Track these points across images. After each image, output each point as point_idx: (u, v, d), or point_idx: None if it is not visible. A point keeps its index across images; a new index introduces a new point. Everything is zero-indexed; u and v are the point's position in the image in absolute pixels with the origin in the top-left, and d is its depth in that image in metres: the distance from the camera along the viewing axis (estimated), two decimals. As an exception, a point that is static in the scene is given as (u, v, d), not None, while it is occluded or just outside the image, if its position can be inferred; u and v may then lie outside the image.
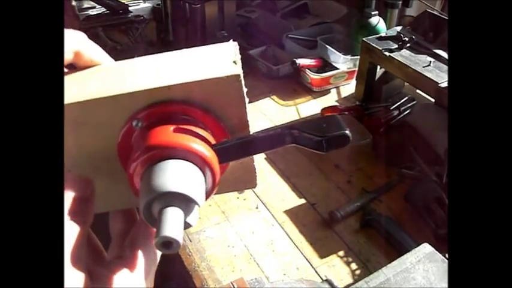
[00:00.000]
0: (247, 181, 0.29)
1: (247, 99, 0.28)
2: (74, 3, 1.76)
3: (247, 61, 1.45)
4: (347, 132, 0.26)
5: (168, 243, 0.22)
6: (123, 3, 1.76)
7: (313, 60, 1.34)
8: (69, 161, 0.28)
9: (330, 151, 0.27)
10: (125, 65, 0.30)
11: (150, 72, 0.27)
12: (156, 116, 0.26)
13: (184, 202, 0.23)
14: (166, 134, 0.25)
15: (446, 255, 0.69)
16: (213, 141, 0.26)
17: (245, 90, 0.27)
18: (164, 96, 0.26)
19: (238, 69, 0.25)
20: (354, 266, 0.83)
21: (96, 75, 0.29)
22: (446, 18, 1.14)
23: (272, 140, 0.26)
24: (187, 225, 0.24)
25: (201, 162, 0.24)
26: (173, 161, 0.24)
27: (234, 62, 0.26)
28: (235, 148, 0.26)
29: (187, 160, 0.24)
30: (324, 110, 1.22)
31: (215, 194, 0.27)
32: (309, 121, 0.27)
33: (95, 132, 0.28)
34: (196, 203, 0.23)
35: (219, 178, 0.26)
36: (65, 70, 0.30)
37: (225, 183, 0.28)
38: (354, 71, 1.32)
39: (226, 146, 0.25)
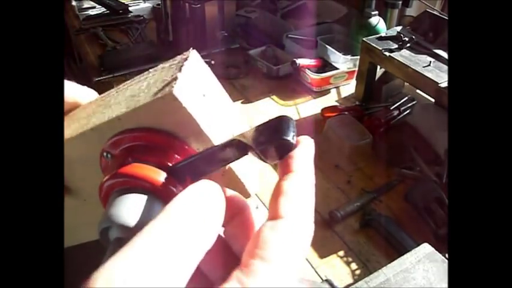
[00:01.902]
0: (240, 192, 0.28)
1: (215, 112, 0.27)
2: (74, 3, 1.76)
3: (247, 61, 1.45)
4: (287, 138, 0.23)
5: None
6: (123, 3, 1.76)
7: (313, 60, 1.34)
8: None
9: (273, 161, 0.24)
10: (98, 101, 0.31)
11: (114, 105, 0.28)
12: (118, 147, 0.27)
13: (128, 231, 0.23)
14: (121, 165, 0.25)
15: (446, 255, 0.69)
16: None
17: (198, 105, 0.25)
18: (120, 126, 0.26)
19: (174, 89, 0.23)
20: (354, 266, 0.83)
21: (77, 114, 0.31)
22: (446, 18, 1.14)
23: (218, 155, 0.25)
24: None
25: (152, 188, 0.24)
26: (124, 191, 0.24)
27: (175, 79, 0.24)
28: (189, 167, 0.25)
29: (138, 187, 0.24)
30: (324, 110, 1.22)
31: None
32: (258, 128, 0.25)
33: (85, 167, 0.29)
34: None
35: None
36: None
37: None
38: (354, 71, 1.32)
39: (178, 167, 0.25)
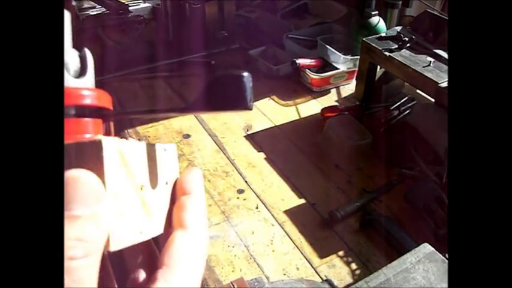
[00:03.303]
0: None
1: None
2: (74, 3, 1.76)
3: (247, 61, 1.45)
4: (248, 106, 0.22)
5: None
6: (123, 3, 1.76)
7: (313, 60, 1.34)
8: None
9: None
10: None
11: None
12: None
13: None
14: None
15: (446, 255, 0.69)
16: None
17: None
18: None
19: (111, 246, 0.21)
20: (354, 266, 0.83)
21: None
22: (446, 18, 1.14)
23: None
24: None
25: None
26: None
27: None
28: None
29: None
30: (324, 110, 1.22)
31: None
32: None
33: None
34: None
35: None
36: None
37: None
38: (354, 71, 1.32)
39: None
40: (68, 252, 0.19)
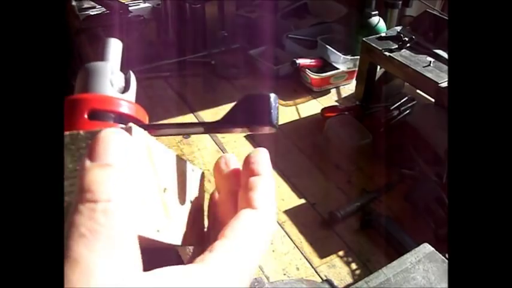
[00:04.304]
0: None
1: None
2: (74, 3, 1.76)
3: (247, 61, 1.45)
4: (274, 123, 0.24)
5: None
6: (123, 3, 1.76)
7: (313, 60, 1.34)
8: None
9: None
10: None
11: None
12: None
13: None
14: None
15: (446, 255, 0.69)
16: None
17: None
18: None
19: None
20: (354, 266, 0.83)
21: None
22: (446, 18, 1.14)
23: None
24: None
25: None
26: None
27: None
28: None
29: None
30: (324, 110, 1.23)
31: None
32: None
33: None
34: None
35: None
36: None
37: None
38: (354, 71, 1.32)
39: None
40: (93, 195, 0.18)
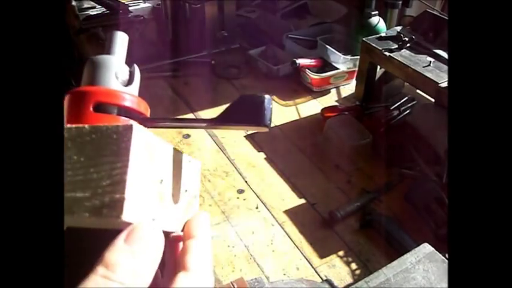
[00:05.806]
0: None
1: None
2: (74, 3, 1.76)
3: (247, 61, 1.45)
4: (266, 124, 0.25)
5: None
6: (123, 3, 1.76)
7: (313, 60, 1.34)
8: None
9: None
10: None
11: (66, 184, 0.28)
12: None
13: None
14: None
15: (446, 255, 0.69)
16: None
17: None
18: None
19: (123, 215, 0.22)
20: (354, 266, 0.83)
21: None
22: (446, 18, 1.14)
23: None
24: None
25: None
26: None
27: (121, 200, 0.24)
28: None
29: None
30: (324, 110, 1.23)
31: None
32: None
33: None
34: None
35: None
36: None
37: None
38: (354, 71, 1.32)
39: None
40: (111, 274, 0.19)
